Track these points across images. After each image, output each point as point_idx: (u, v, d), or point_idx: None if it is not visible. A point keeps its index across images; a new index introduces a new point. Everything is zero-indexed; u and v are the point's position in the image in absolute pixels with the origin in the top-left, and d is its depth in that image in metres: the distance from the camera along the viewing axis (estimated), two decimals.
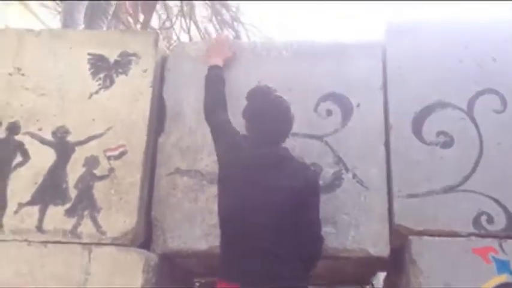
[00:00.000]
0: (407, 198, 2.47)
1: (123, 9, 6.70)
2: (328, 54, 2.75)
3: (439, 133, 2.54)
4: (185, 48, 2.93)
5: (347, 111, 2.65)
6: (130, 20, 8.59)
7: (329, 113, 2.67)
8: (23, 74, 2.83)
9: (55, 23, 9.08)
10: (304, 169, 2.38)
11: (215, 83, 2.61)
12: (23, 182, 2.64)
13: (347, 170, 2.58)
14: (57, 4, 9.85)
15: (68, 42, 2.88)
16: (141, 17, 8.88)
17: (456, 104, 2.58)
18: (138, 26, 8.40)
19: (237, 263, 2.20)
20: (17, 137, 2.72)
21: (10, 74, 2.83)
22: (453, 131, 2.54)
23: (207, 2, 8.49)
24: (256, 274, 2.14)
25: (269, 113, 2.32)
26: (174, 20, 8.73)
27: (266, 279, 2.13)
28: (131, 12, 8.48)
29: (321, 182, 2.49)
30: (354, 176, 2.57)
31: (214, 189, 2.48)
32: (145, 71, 2.80)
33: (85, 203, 2.59)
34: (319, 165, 2.60)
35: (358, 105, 2.65)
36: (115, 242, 2.52)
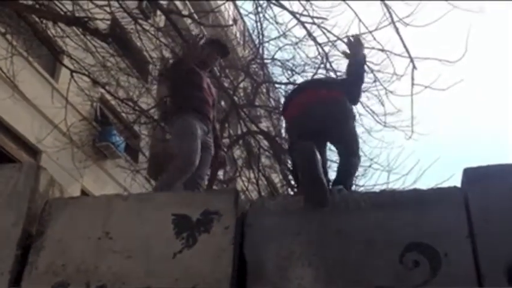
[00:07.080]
0: None
1: None
2: (409, 203, 2.74)
3: None
4: (264, 204, 3.00)
5: (435, 261, 2.57)
6: None
7: (416, 263, 2.60)
8: (110, 238, 2.95)
9: (128, 181, 9.65)
10: None
11: None
12: None
13: None
14: (131, 165, 10.55)
15: (154, 204, 3.02)
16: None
17: None
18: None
19: None
20: None
21: (99, 238, 2.95)
22: None
23: (270, 151, 8.82)
24: None
25: None
26: (239, 171, 9.05)
27: None
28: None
29: None
30: None
31: None
32: (226, 228, 2.86)
33: None
34: None
35: (446, 255, 2.58)
36: None
